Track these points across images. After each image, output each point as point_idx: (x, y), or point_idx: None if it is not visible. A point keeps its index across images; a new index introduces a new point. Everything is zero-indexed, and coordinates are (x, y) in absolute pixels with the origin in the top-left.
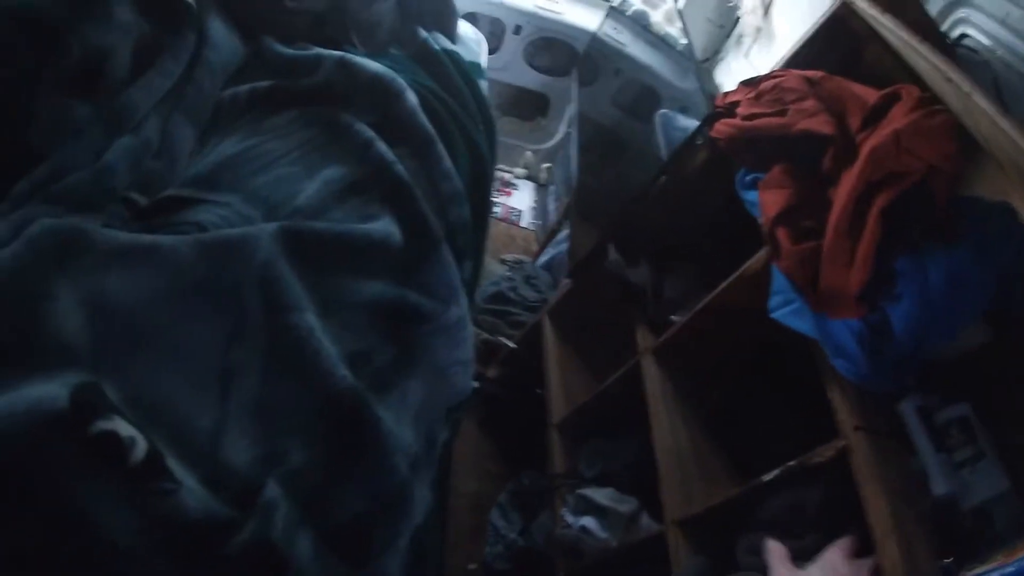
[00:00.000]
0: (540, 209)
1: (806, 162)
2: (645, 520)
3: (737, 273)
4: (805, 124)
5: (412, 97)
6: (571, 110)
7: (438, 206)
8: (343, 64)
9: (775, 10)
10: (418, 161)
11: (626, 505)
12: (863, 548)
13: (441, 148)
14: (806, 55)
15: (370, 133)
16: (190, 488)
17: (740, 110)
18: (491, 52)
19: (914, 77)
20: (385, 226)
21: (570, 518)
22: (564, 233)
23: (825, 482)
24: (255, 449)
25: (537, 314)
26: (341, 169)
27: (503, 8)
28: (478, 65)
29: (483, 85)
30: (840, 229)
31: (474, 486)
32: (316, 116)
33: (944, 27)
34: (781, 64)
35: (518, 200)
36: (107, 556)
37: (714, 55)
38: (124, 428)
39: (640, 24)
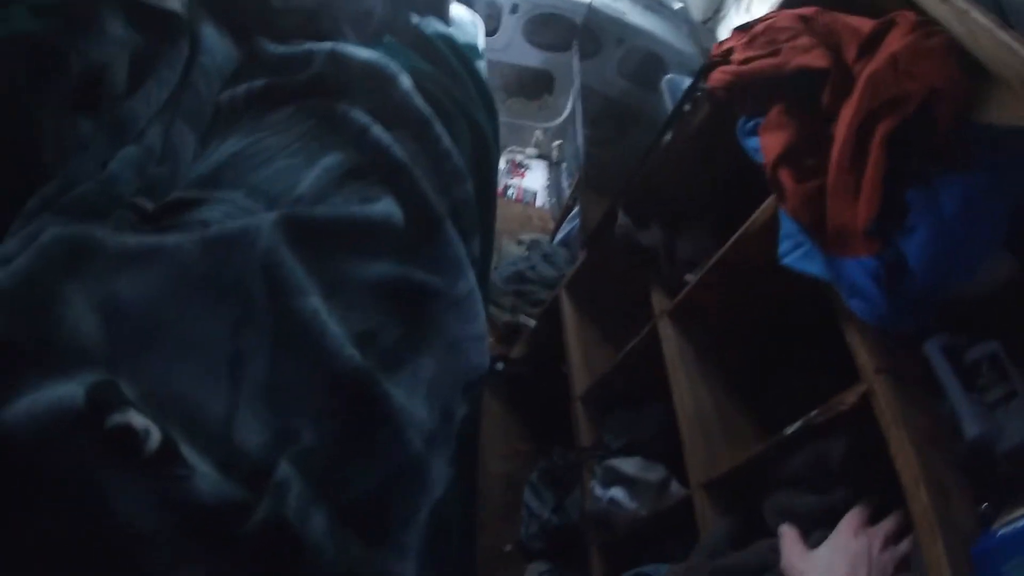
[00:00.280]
0: (554, 187)
1: (805, 100)
2: (675, 486)
3: (746, 225)
4: (800, 60)
5: (406, 80)
6: (575, 84)
7: (440, 185)
8: (334, 55)
9: None
10: (417, 143)
11: (654, 473)
12: (886, 505)
13: (439, 128)
14: None
15: (366, 119)
16: (204, 473)
17: (735, 56)
18: (490, 33)
19: (909, 3)
20: (386, 207)
21: (599, 490)
22: (578, 207)
23: (849, 432)
24: (266, 431)
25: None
26: (339, 156)
27: None
28: (475, 47)
29: (481, 66)
30: (843, 163)
31: (505, 466)
32: (312, 109)
33: None
34: (776, 7)
35: (532, 180)
36: (129, 541)
37: (715, 14)
38: (138, 420)
39: None
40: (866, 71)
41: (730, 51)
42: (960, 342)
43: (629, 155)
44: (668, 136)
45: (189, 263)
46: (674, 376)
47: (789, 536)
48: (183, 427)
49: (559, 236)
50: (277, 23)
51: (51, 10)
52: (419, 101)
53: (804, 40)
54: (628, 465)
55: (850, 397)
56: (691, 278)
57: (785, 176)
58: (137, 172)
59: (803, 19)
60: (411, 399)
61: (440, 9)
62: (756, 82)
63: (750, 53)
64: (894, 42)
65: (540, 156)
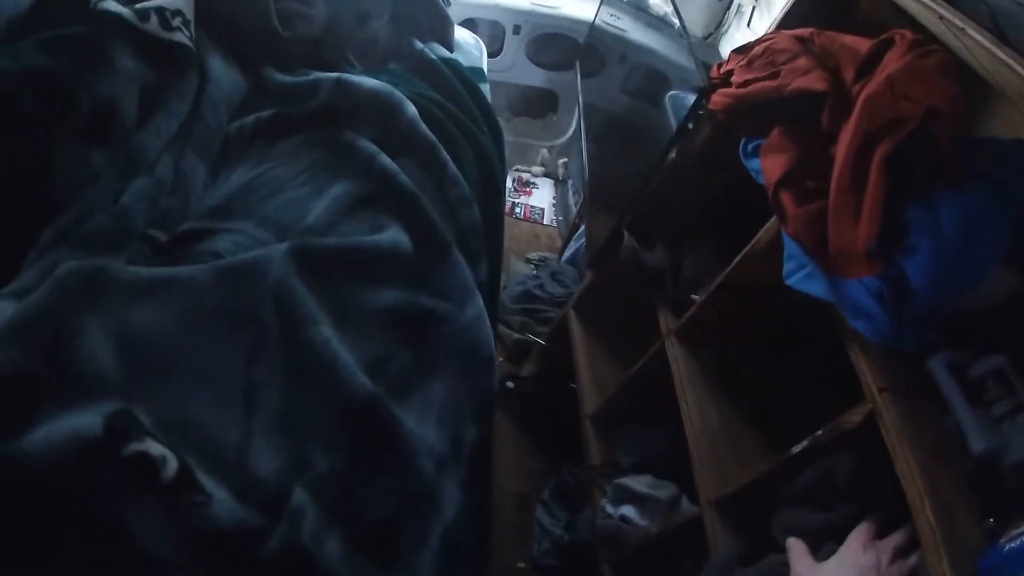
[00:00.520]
0: (561, 205)
1: (805, 122)
2: (685, 504)
3: (749, 246)
4: (798, 83)
5: (411, 108)
6: (578, 103)
7: (447, 211)
8: (340, 84)
9: None
10: (423, 169)
11: (665, 491)
12: (893, 521)
13: (444, 154)
14: (798, 13)
15: (373, 148)
16: (221, 499)
17: (734, 79)
18: (493, 55)
19: (908, 20)
20: (394, 235)
21: (610, 508)
22: (585, 226)
23: (855, 449)
24: (281, 458)
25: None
26: (347, 185)
27: (499, 10)
28: (480, 70)
29: (486, 89)
30: (843, 185)
31: (518, 485)
32: (320, 138)
33: None
34: (774, 26)
35: (539, 198)
36: (148, 566)
37: (716, 29)
38: (155, 448)
39: (638, 7)
40: (863, 94)
41: (730, 73)
42: (965, 357)
43: (633, 172)
44: (671, 156)
45: (202, 294)
46: (682, 395)
47: (797, 549)
48: (199, 454)
49: (567, 254)
50: (284, 52)
51: (60, 46)
52: (424, 128)
53: (802, 62)
54: (639, 483)
55: (855, 416)
56: (697, 298)
57: (786, 199)
58: (149, 204)
59: (800, 40)
60: (422, 424)
61: (444, 35)
62: (756, 105)
63: (749, 75)
64: (891, 63)
65: (546, 174)
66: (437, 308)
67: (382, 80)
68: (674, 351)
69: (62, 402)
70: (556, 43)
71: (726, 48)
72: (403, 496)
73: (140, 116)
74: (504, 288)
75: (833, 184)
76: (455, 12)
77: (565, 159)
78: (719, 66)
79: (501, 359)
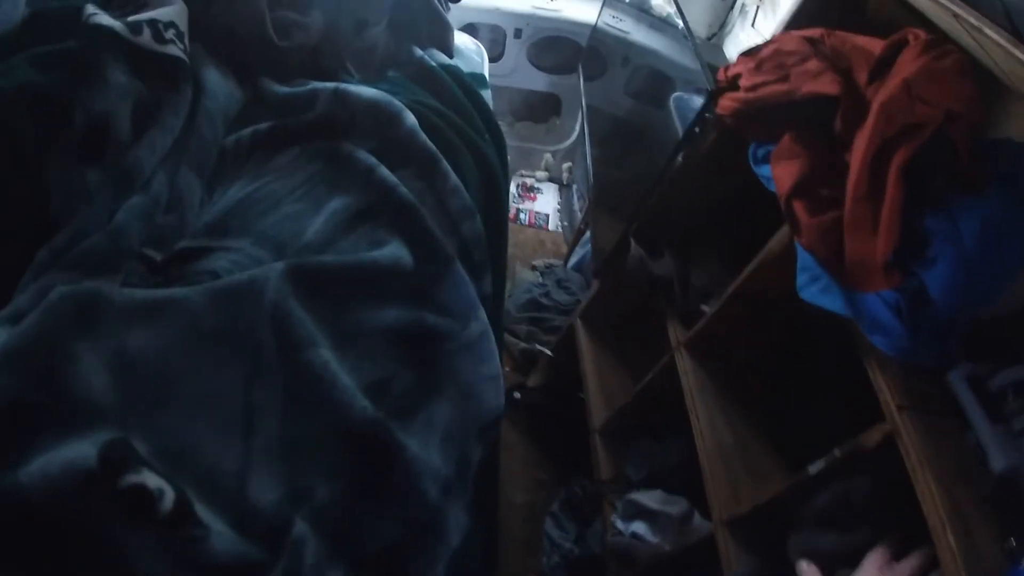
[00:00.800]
0: (566, 210)
1: (817, 127)
2: (697, 520)
3: (761, 255)
4: (810, 86)
5: (410, 118)
6: (581, 106)
7: (448, 223)
8: (338, 95)
9: None
10: (423, 181)
11: (676, 507)
12: (911, 540)
13: (445, 165)
14: (806, 13)
15: (372, 160)
16: (219, 532)
17: (743, 82)
18: (495, 59)
19: (920, 19)
20: (394, 251)
21: (620, 524)
22: (590, 232)
23: (873, 469)
24: (281, 488)
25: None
26: (346, 199)
27: (500, 14)
28: (481, 76)
29: (487, 95)
30: (859, 194)
31: (526, 497)
32: (318, 150)
33: None
34: (782, 28)
35: (543, 203)
36: None
37: (720, 29)
38: (152, 480)
39: (641, 9)
40: (879, 98)
41: (737, 77)
42: (984, 370)
43: (638, 175)
44: (678, 161)
45: (198, 317)
46: (693, 409)
47: (810, 574)
48: (197, 485)
49: (573, 261)
50: (280, 62)
51: (53, 62)
52: (424, 138)
53: (813, 64)
54: (649, 499)
55: (874, 436)
56: (707, 308)
57: (799, 208)
58: (144, 222)
59: (810, 41)
60: (426, 448)
61: (443, 41)
62: (765, 109)
63: (758, 79)
64: (906, 65)
65: (550, 179)
66: (440, 325)
67: (381, 89)
68: (684, 363)
69: (58, 431)
70: (558, 46)
71: (730, 49)
72: (408, 524)
73: (134, 131)
74: (509, 296)
75: (848, 194)
76: (455, 17)
77: (569, 163)
78: (726, 69)
79: (507, 369)
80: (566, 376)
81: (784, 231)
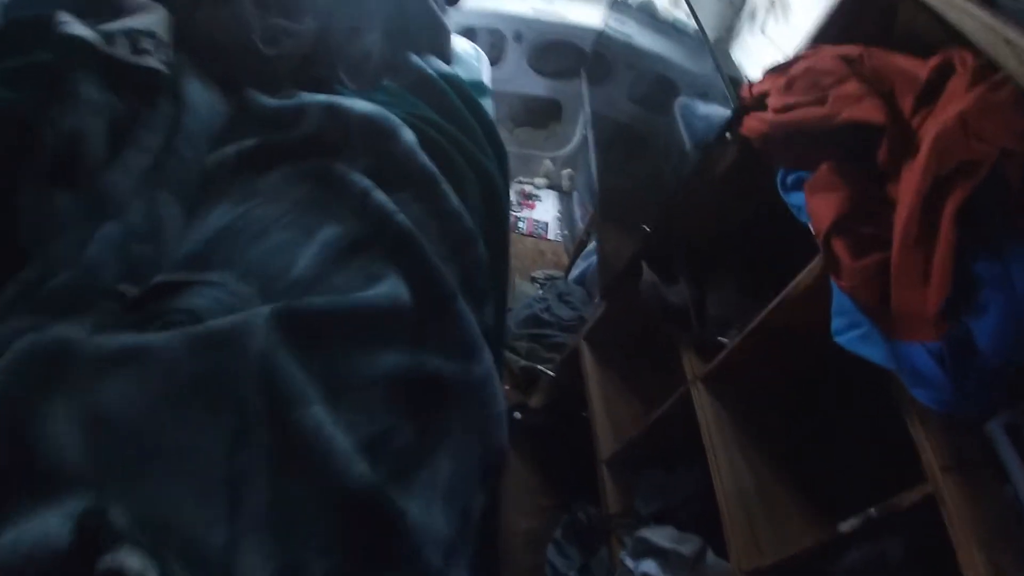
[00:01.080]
0: (566, 218)
1: (856, 156)
2: (711, 559)
3: (787, 290)
4: (851, 113)
5: (408, 134)
6: (585, 112)
7: (449, 250)
8: (330, 109)
9: None
10: (422, 204)
11: (688, 545)
12: None
13: (446, 186)
14: (837, 26)
15: (366, 182)
16: None
17: (771, 102)
18: (494, 63)
19: (957, 39)
20: (391, 288)
21: (630, 562)
22: (593, 244)
23: (910, 529)
24: (271, 564)
25: (574, 335)
26: (338, 227)
27: (499, 18)
28: (481, 83)
29: (487, 104)
30: (909, 240)
31: (528, 523)
32: (308, 170)
33: None
34: (807, 42)
35: (542, 211)
36: None
37: (727, 33)
38: (132, 561)
39: (646, 12)
40: (931, 132)
41: (764, 95)
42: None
43: (642, 183)
44: (691, 182)
45: (176, 368)
46: (710, 448)
47: None
48: (181, 559)
49: (574, 273)
50: (269, 72)
51: (23, 77)
52: (423, 157)
53: (852, 86)
54: (660, 536)
55: (913, 496)
56: (726, 340)
57: (840, 248)
58: (119, 253)
59: (847, 61)
60: (427, 510)
61: (441, 47)
62: (799, 134)
63: (790, 99)
64: (958, 94)
65: (550, 186)
66: (442, 370)
67: (376, 101)
68: (701, 399)
69: (29, 499)
70: (558, 50)
71: (737, 53)
72: None
73: (109, 152)
74: (509, 311)
75: (897, 238)
76: (453, 21)
77: (570, 170)
78: (751, 86)
79: (507, 387)
80: (569, 396)
81: (815, 265)
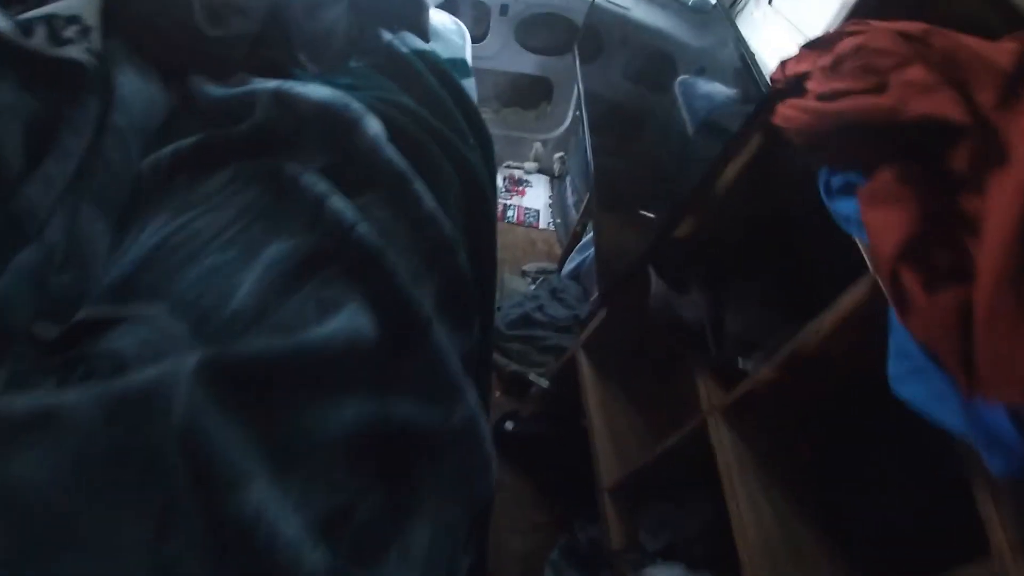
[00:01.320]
0: (558, 204)
1: (923, 158)
2: None
3: (825, 316)
4: (923, 106)
5: (373, 125)
6: (578, 91)
7: (423, 264)
8: (279, 97)
9: None
10: (390, 208)
11: None
12: None
13: (419, 186)
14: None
15: (322, 186)
16: None
17: (812, 85)
18: (478, 39)
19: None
20: (349, 320)
21: None
22: (589, 236)
23: None
24: None
25: (570, 339)
26: (287, 243)
27: None
28: (462, 61)
29: (470, 85)
30: (1003, 276)
31: (522, 543)
32: (254, 173)
33: None
34: (845, 12)
35: (533, 198)
36: None
37: (731, 6)
38: None
39: None
40: None
41: (803, 76)
42: None
43: (640, 167)
44: (707, 180)
45: (89, 435)
46: (730, 487)
47: None
48: None
49: (569, 267)
50: (216, 56)
51: None
52: (391, 152)
53: (918, 73)
54: (670, 575)
55: (975, 573)
56: (748, 366)
57: (910, 279)
58: (35, 286)
59: (908, 39)
60: None
61: (417, 21)
62: (854, 128)
63: (837, 84)
64: None
65: (541, 171)
66: (415, 418)
67: (339, 85)
68: (719, 432)
69: None
70: (548, 25)
71: (744, 27)
72: None
73: (26, 162)
74: (498, 309)
75: (986, 271)
76: None
77: (561, 153)
78: (783, 65)
79: (497, 394)
80: (565, 403)
81: (861, 288)
